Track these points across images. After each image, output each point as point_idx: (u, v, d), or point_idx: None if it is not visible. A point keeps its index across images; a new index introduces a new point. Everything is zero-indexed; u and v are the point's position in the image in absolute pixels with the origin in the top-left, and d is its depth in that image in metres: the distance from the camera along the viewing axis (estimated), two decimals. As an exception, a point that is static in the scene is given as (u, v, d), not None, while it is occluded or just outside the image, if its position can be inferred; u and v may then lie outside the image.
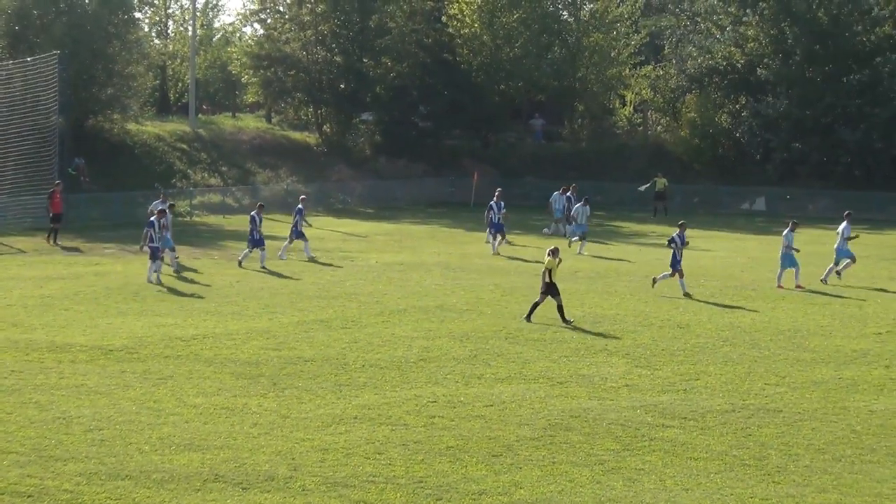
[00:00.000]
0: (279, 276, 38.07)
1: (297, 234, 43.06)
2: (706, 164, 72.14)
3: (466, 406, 21.26)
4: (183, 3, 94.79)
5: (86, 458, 17.78)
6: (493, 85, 77.90)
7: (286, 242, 43.29)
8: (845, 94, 67.63)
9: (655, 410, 21.05)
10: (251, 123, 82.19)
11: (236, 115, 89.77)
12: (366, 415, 20.56)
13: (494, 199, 47.49)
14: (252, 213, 41.30)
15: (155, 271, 36.13)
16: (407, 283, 37.00)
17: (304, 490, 16.62)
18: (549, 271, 29.96)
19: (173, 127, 73.45)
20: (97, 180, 61.61)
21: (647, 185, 64.72)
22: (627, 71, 78.16)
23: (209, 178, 68.26)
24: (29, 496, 16.17)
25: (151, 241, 36.67)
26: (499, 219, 46.31)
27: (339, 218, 61.84)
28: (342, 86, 77.00)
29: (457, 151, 78.81)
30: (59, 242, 46.58)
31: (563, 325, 29.39)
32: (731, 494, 16.75)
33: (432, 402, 21.53)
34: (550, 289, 29.84)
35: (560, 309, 29.78)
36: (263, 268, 39.39)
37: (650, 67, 78.20)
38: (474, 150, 78.95)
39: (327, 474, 17.28)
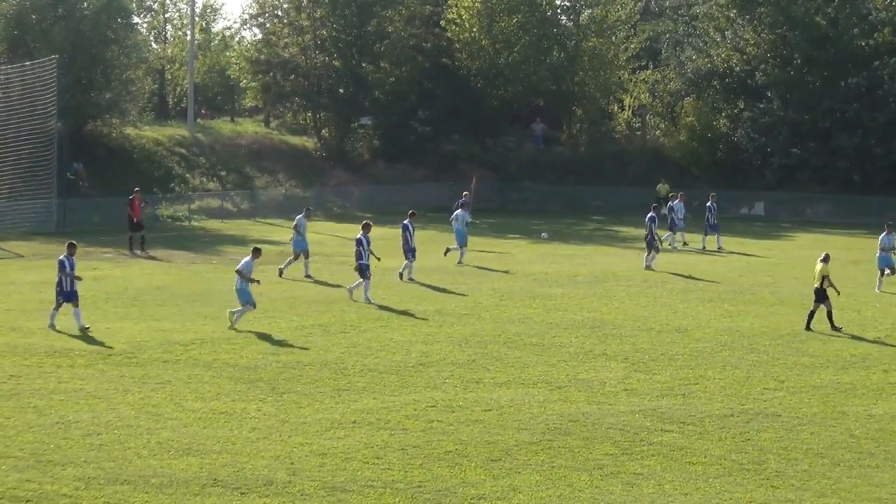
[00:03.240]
0: (279, 281, 38.05)
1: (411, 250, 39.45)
2: (705, 169, 72.16)
3: (465, 411, 21.25)
4: (181, 8, 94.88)
5: (84, 463, 17.76)
6: (492, 89, 77.91)
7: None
8: (844, 98, 67.66)
9: (654, 415, 21.05)
10: (250, 128, 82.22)
11: (235, 119, 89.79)
12: (364, 419, 20.55)
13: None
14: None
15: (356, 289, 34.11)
16: (405, 287, 36.99)
17: (302, 495, 16.61)
18: (825, 277, 29.90)
19: (172, 131, 73.49)
20: (96, 185, 61.63)
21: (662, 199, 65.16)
22: (626, 75, 78.22)
23: (207, 183, 68.27)
24: (28, 501, 16.16)
25: (360, 257, 33.83)
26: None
27: (337, 223, 61.81)
28: (341, 90, 77.03)
29: (455, 156, 78.82)
30: (146, 250, 45.55)
31: (833, 331, 29.43)
32: (730, 499, 16.75)
33: (431, 406, 21.53)
34: (821, 295, 29.86)
35: (829, 315, 29.87)
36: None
37: (649, 72, 78.27)
38: (473, 155, 78.93)
39: (326, 479, 17.27)
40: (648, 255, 42.55)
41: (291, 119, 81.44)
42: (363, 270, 33.76)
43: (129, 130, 68.99)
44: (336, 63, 76.95)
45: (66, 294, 28.90)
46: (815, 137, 68.00)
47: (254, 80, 78.66)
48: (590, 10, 78.25)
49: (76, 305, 28.76)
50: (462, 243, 43.62)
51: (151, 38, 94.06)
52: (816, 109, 68.09)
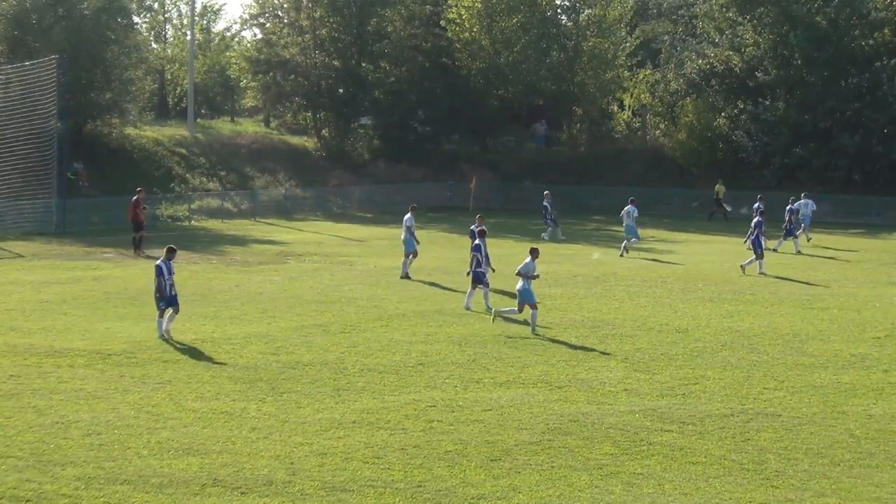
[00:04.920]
0: (277, 280, 38.07)
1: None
2: (705, 169, 72.21)
3: (465, 410, 21.25)
4: (181, 8, 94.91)
5: (84, 463, 17.76)
6: (492, 89, 78.00)
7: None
8: (844, 98, 67.70)
9: (654, 415, 21.05)
10: (249, 128, 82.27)
11: (235, 119, 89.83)
12: (364, 419, 20.55)
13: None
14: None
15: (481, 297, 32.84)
16: (405, 287, 37.01)
17: (302, 494, 16.61)
18: None
19: (172, 131, 73.54)
20: (96, 185, 61.68)
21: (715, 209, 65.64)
22: (625, 74, 78.25)
23: (207, 183, 68.32)
24: (27, 501, 16.16)
25: (478, 265, 32.59)
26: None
27: (337, 222, 61.86)
28: (341, 90, 77.09)
29: (455, 156, 78.89)
30: (138, 249, 45.61)
31: None
32: (730, 499, 16.75)
33: (431, 406, 21.52)
34: None
35: None
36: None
37: (649, 72, 78.30)
38: (473, 155, 79.03)
39: (326, 479, 17.27)
40: (754, 258, 41.36)
41: (291, 119, 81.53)
42: (480, 278, 32.51)
43: (130, 130, 69.06)
44: (336, 63, 77.00)
45: (168, 299, 27.91)
46: (816, 137, 68.06)
47: (254, 80, 78.77)
48: (589, 10, 78.31)
49: (177, 311, 28.00)
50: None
51: (151, 38, 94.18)
52: (817, 109, 68.14)
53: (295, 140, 79.11)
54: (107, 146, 66.40)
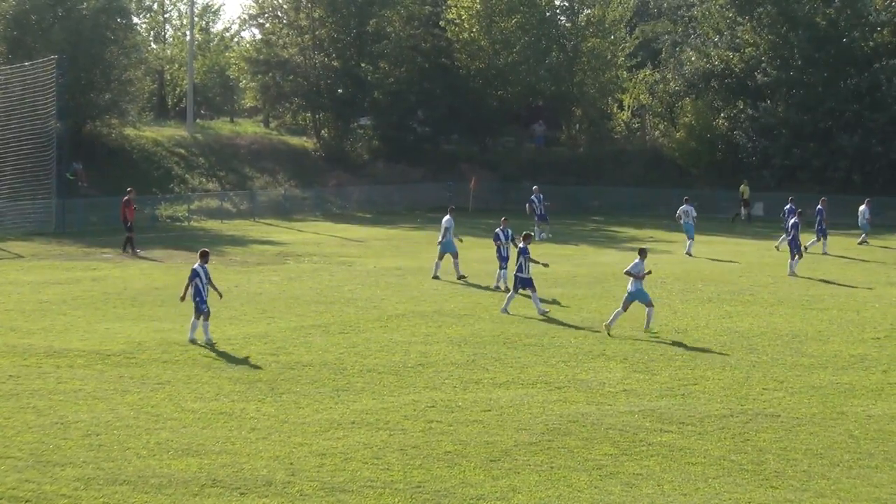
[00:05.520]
0: (276, 281, 38.06)
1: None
2: (704, 169, 72.20)
3: (464, 411, 21.25)
4: (181, 8, 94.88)
5: (84, 463, 17.76)
6: (491, 90, 77.98)
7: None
8: (844, 99, 67.70)
9: (653, 415, 21.05)
10: (249, 128, 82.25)
11: (234, 119, 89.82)
12: (364, 420, 20.55)
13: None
14: (497, 229, 37.98)
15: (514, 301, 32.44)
16: (405, 288, 37.00)
17: (301, 495, 16.61)
18: None
19: (171, 132, 73.53)
20: (95, 185, 61.66)
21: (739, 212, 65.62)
22: (624, 74, 78.24)
23: (207, 183, 68.31)
24: (27, 501, 16.15)
25: (521, 270, 32.07)
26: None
27: (336, 223, 61.86)
28: (340, 91, 77.08)
29: (455, 156, 78.88)
30: (135, 250, 45.59)
31: None
32: (730, 499, 16.75)
33: (430, 406, 21.52)
34: None
35: None
36: (497, 287, 36.69)
37: (648, 72, 78.28)
38: (472, 155, 79.02)
39: (325, 479, 17.27)
40: (793, 260, 41.16)
41: (291, 119, 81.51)
42: (526, 284, 32.03)
43: (129, 131, 69.04)
44: (335, 63, 77.00)
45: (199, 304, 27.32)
46: (816, 138, 68.05)
47: (253, 81, 78.74)
48: (588, 11, 78.30)
49: (206, 318, 27.47)
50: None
51: (151, 38, 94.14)
52: (816, 110, 68.14)
53: (294, 140, 79.11)
54: (106, 146, 66.40)
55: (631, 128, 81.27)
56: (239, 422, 20.31)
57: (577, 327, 30.04)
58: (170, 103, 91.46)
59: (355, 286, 37.05)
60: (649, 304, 29.53)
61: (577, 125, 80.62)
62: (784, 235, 49.76)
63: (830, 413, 21.50)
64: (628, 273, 29.61)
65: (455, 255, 39.11)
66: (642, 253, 29.87)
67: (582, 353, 26.80)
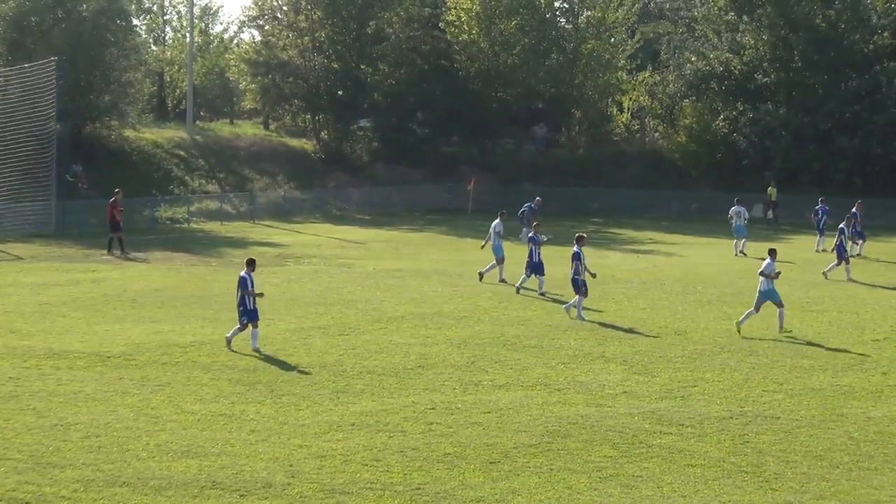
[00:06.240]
0: (277, 283, 38.06)
1: (534, 266, 36.44)
2: (704, 171, 72.21)
3: (464, 413, 21.25)
4: (181, 10, 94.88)
5: (83, 465, 17.76)
6: (491, 92, 77.99)
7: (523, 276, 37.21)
8: (844, 101, 67.76)
9: (653, 417, 21.05)
10: (248, 130, 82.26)
11: (234, 121, 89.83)
12: (363, 421, 20.54)
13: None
14: (530, 234, 37.63)
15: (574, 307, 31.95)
16: (405, 289, 37.00)
17: (301, 497, 16.60)
18: None
19: (171, 133, 73.53)
20: (95, 187, 61.65)
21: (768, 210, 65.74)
22: (624, 76, 78.25)
23: (206, 185, 68.32)
24: (27, 503, 16.15)
25: (577, 273, 31.77)
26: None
27: (336, 225, 61.85)
28: (340, 92, 77.11)
29: (454, 158, 78.89)
30: (122, 251, 45.72)
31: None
32: (729, 501, 16.75)
33: (430, 408, 21.52)
34: None
35: None
36: (543, 294, 35.95)
37: (647, 74, 78.29)
38: (472, 157, 79.04)
39: (325, 481, 17.26)
40: (837, 264, 40.93)
41: (290, 121, 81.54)
42: (580, 286, 31.80)
43: (129, 132, 69.06)
44: (335, 65, 77.03)
45: (250, 313, 26.72)
46: (816, 140, 68.08)
47: (253, 83, 78.77)
48: (588, 12, 78.33)
49: (255, 326, 26.76)
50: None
51: (151, 40, 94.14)
52: (817, 112, 68.17)
53: (294, 142, 79.12)
54: (106, 148, 66.41)
55: (631, 130, 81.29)
56: (239, 423, 20.31)
57: (576, 329, 30.02)
58: (169, 105, 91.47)
59: (355, 288, 37.04)
60: (780, 304, 29.75)
61: (577, 127, 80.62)
62: (819, 237, 50.38)
63: (830, 415, 21.50)
64: (762, 273, 29.81)
65: (502, 261, 38.81)
66: (772, 253, 30.15)
67: (581, 354, 26.81)
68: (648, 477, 17.72)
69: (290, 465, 17.95)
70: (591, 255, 40.12)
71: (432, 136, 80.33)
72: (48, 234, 52.64)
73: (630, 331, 29.89)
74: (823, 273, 40.99)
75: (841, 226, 42.37)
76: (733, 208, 49.76)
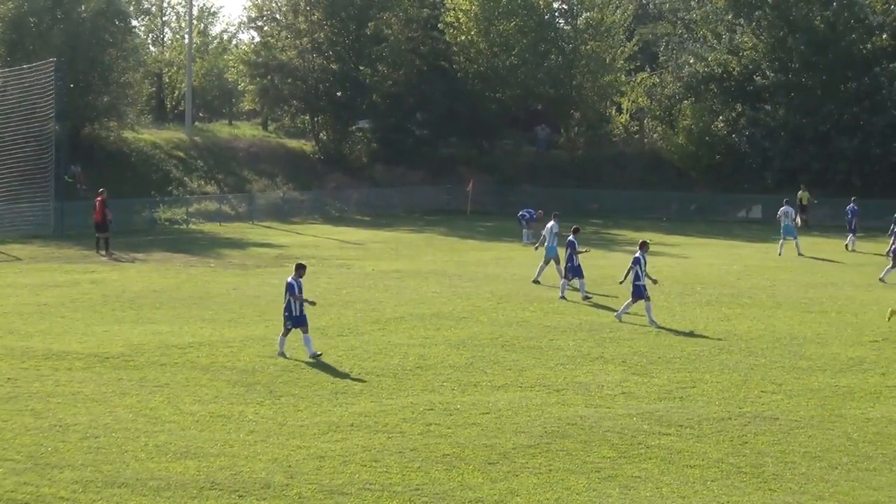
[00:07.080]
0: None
1: (574, 270, 36.32)
2: (703, 172, 72.25)
3: (463, 414, 21.24)
4: (179, 11, 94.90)
5: (82, 466, 17.75)
6: (490, 93, 77.99)
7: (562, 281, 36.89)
8: (843, 102, 67.81)
9: (652, 418, 21.04)
10: (247, 131, 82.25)
11: (233, 122, 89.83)
12: (362, 422, 20.54)
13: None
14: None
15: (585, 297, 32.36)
16: (403, 290, 36.99)
17: (300, 498, 16.60)
18: None
19: (170, 135, 73.51)
20: (94, 188, 61.60)
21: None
22: (623, 77, 78.27)
23: (205, 186, 68.32)
24: (25, 504, 16.16)
25: (637, 278, 31.11)
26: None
27: (335, 226, 61.87)
28: (338, 93, 77.12)
29: (453, 159, 78.90)
30: (107, 251, 45.93)
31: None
32: (728, 502, 16.75)
33: (429, 409, 21.52)
34: None
35: None
36: (587, 297, 35.63)
37: (646, 75, 78.30)
38: (471, 158, 79.04)
39: (324, 482, 17.26)
40: (893, 266, 40.48)
41: (289, 122, 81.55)
42: (641, 292, 31.09)
43: (127, 133, 69.05)
44: (334, 66, 77.04)
45: (296, 319, 26.22)
46: (815, 141, 68.12)
47: (251, 84, 78.75)
48: (587, 14, 78.36)
49: (306, 331, 26.13)
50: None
51: (149, 41, 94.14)
52: (816, 113, 68.22)
53: (293, 143, 79.11)
54: (104, 149, 66.40)
55: (630, 131, 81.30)
56: (237, 424, 20.31)
57: (575, 330, 30.03)
58: (168, 106, 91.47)
59: (354, 289, 37.04)
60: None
61: (576, 128, 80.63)
62: (851, 236, 50.68)
63: (829, 416, 21.50)
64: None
65: (557, 261, 38.41)
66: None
67: (580, 355, 26.80)
68: (647, 478, 17.72)
69: (289, 466, 17.95)
70: (591, 256, 40.25)
71: (431, 137, 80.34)
72: (47, 235, 52.63)
73: (629, 331, 29.88)
74: (880, 279, 40.55)
75: (893, 228, 42.46)
76: (781, 209, 50.09)
